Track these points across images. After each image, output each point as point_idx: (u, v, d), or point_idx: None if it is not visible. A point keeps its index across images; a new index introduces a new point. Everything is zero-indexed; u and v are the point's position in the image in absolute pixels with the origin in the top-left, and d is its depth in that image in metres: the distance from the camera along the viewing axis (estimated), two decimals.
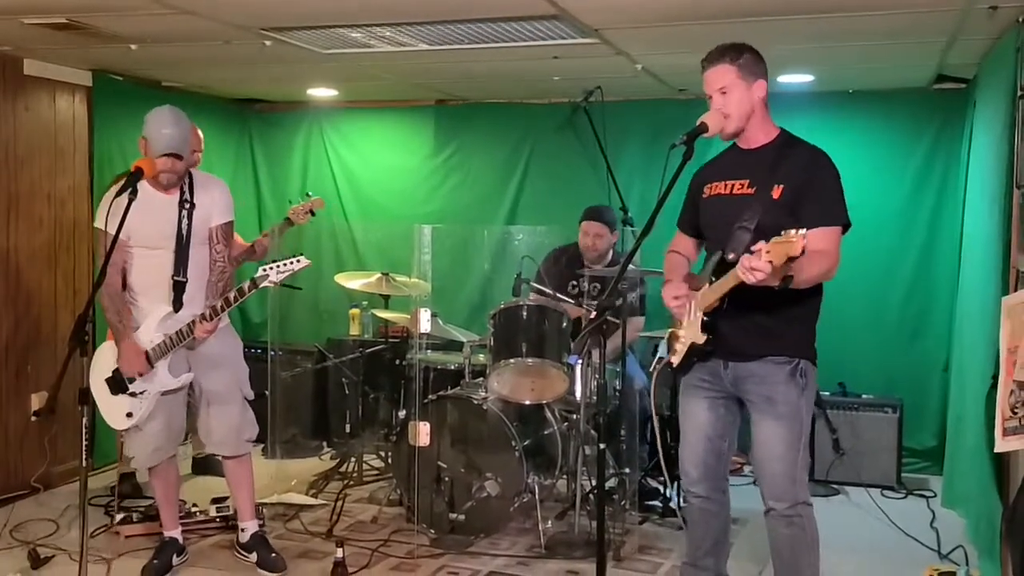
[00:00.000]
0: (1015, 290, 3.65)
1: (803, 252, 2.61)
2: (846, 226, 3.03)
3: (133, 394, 3.79)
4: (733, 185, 3.12)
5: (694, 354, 3.14)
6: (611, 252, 5.03)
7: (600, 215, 5.00)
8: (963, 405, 4.47)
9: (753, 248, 2.70)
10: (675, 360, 3.21)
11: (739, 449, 3.40)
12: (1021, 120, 3.61)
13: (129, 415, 3.81)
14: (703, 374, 3.21)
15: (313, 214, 5.00)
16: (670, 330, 3.31)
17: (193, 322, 3.68)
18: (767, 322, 3.04)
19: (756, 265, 2.67)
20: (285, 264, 3.61)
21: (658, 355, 3.40)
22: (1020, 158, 3.62)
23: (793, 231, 2.60)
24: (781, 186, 3.00)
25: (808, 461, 3.20)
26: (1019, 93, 3.63)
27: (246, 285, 3.64)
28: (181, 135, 3.68)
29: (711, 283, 3.03)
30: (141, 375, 3.76)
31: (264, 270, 3.62)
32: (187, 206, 3.79)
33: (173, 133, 3.65)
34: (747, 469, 5.36)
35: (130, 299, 3.86)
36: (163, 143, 3.64)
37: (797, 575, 3.18)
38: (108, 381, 3.81)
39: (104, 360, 3.84)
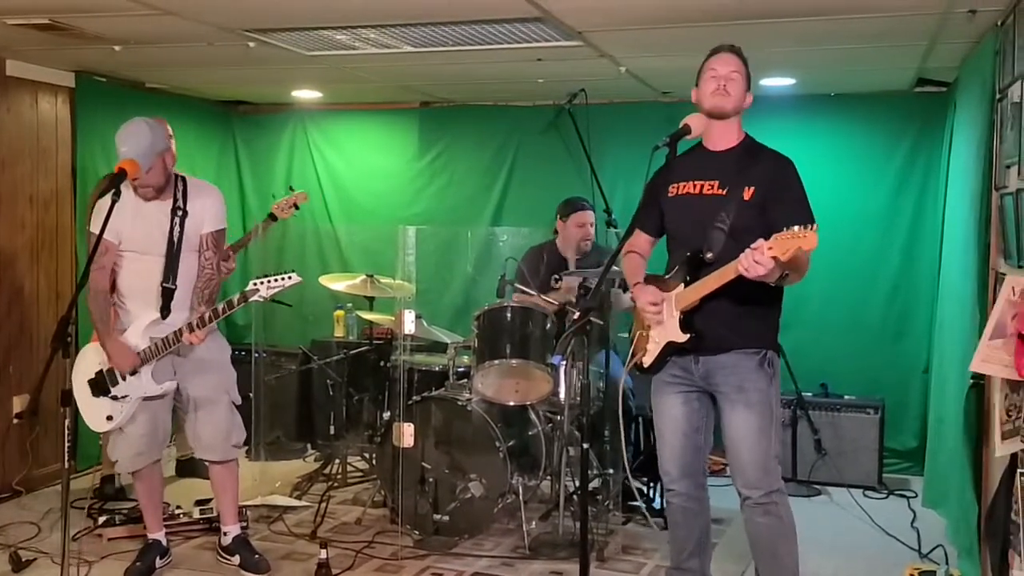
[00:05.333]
0: (993, 292, 3.68)
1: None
2: None
3: (115, 398, 3.77)
4: (702, 185, 3.16)
5: (668, 352, 3.17)
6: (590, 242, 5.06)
7: (587, 204, 5.06)
8: (943, 406, 4.51)
9: (753, 246, 2.77)
10: (647, 360, 3.24)
11: (720, 449, 3.41)
12: (1000, 123, 3.65)
13: (109, 418, 3.80)
14: (674, 370, 3.24)
15: (297, 208, 4.97)
16: (636, 332, 3.33)
17: (180, 331, 3.67)
18: (737, 316, 3.10)
19: (760, 260, 2.75)
20: (276, 280, 3.62)
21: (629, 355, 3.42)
22: (999, 160, 3.66)
23: (797, 227, 2.69)
24: (752, 188, 3.07)
25: (780, 451, 3.24)
26: (998, 96, 3.67)
27: (235, 298, 3.64)
28: (138, 150, 3.58)
29: (687, 283, 3.07)
30: (135, 372, 3.74)
31: (255, 284, 3.61)
32: (179, 213, 3.77)
33: (128, 151, 3.57)
34: (729, 469, 5.38)
35: (118, 303, 3.85)
36: (122, 160, 3.58)
37: (778, 562, 3.22)
38: (90, 383, 3.80)
39: (87, 362, 3.82)
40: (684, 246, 3.15)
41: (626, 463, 4.24)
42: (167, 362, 3.84)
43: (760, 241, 2.77)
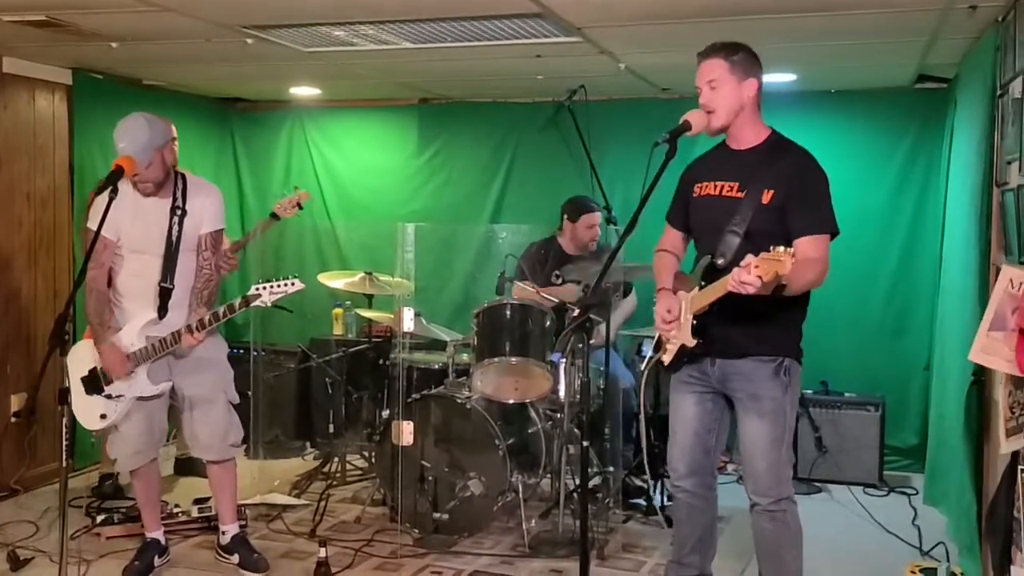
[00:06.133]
0: (994, 288, 3.67)
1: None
2: (834, 233, 3.05)
3: (109, 396, 3.76)
4: (722, 187, 3.12)
5: (684, 354, 3.16)
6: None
7: (595, 205, 5.09)
8: (944, 404, 4.50)
9: (742, 263, 2.73)
10: (666, 359, 3.23)
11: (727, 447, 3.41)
12: (1000, 119, 3.64)
13: (103, 417, 3.78)
14: (691, 371, 3.23)
15: (300, 207, 4.94)
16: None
17: (178, 332, 3.65)
18: (754, 322, 3.05)
19: (746, 280, 2.70)
20: (279, 285, 3.60)
21: (647, 353, 3.41)
22: (1000, 156, 3.65)
23: (781, 248, 2.62)
24: (771, 191, 3.00)
25: (792, 458, 3.22)
26: (999, 92, 3.66)
27: (237, 302, 3.62)
28: (135, 147, 3.57)
29: (701, 287, 3.04)
30: (125, 377, 3.73)
31: (257, 289, 3.59)
32: (179, 212, 3.75)
33: (126, 147, 3.56)
34: (731, 467, 5.38)
35: (115, 301, 3.83)
36: (120, 156, 3.57)
37: (782, 570, 3.20)
38: (83, 380, 3.78)
39: (80, 359, 3.80)
40: (704, 248, 3.13)
41: (645, 459, 4.23)
42: (163, 362, 3.82)
43: (749, 257, 2.71)
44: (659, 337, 3.32)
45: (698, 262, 3.17)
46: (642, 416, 3.46)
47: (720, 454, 3.37)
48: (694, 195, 3.21)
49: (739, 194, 3.06)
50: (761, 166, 3.06)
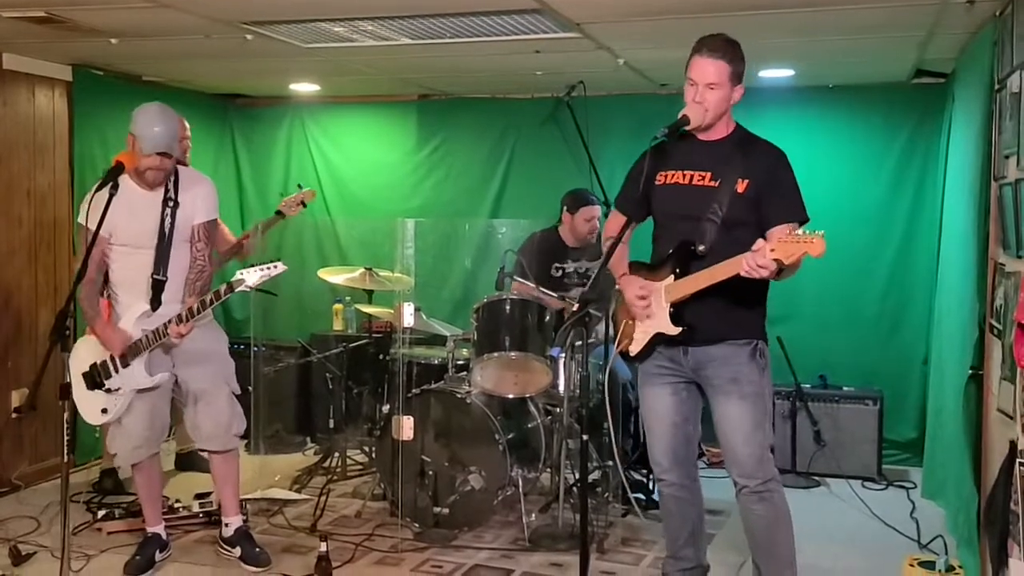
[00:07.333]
0: (993, 282, 3.68)
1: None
2: (803, 221, 3.09)
3: (108, 390, 3.77)
4: (692, 176, 3.15)
5: (656, 343, 3.17)
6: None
7: (594, 198, 5.10)
8: (942, 397, 4.51)
9: (755, 247, 2.78)
10: (634, 349, 3.23)
11: (713, 442, 3.41)
12: (999, 113, 3.65)
13: (104, 411, 3.80)
14: (662, 361, 3.24)
15: (304, 205, 4.96)
16: (622, 320, 3.32)
17: (168, 322, 3.67)
18: (727, 307, 3.09)
19: (763, 263, 2.77)
20: (263, 269, 3.60)
21: (614, 344, 3.41)
22: (997, 151, 3.66)
23: (800, 231, 2.72)
24: (746, 181, 3.06)
25: (772, 438, 3.26)
26: (996, 87, 3.67)
27: (222, 288, 3.61)
28: (170, 133, 3.64)
29: (676, 274, 3.06)
30: (126, 363, 3.74)
31: (241, 274, 3.60)
32: (171, 204, 3.77)
33: (163, 132, 3.61)
34: (724, 460, 5.38)
35: (112, 295, 3.85)
36: (153, 142, 3.60)
37: (774, 551, 3.23)
38: (84, 376, 3.80)
39: (80, 355, 3.82)
40: (673, 236, 3.14)
41: (614, 454, 4.23)
42: (164, 354, 3.84)
43: (760, 242, 2.77)
44: (623, 327, 3.32)
45: (662, 252, 3.19)
46: (607, 406, 3.44)
47: (698, 441, 3.39)
48: (658, 183, 3.21)
49: (712, 183, 3.10)
50: (732, 157, 3.11)
